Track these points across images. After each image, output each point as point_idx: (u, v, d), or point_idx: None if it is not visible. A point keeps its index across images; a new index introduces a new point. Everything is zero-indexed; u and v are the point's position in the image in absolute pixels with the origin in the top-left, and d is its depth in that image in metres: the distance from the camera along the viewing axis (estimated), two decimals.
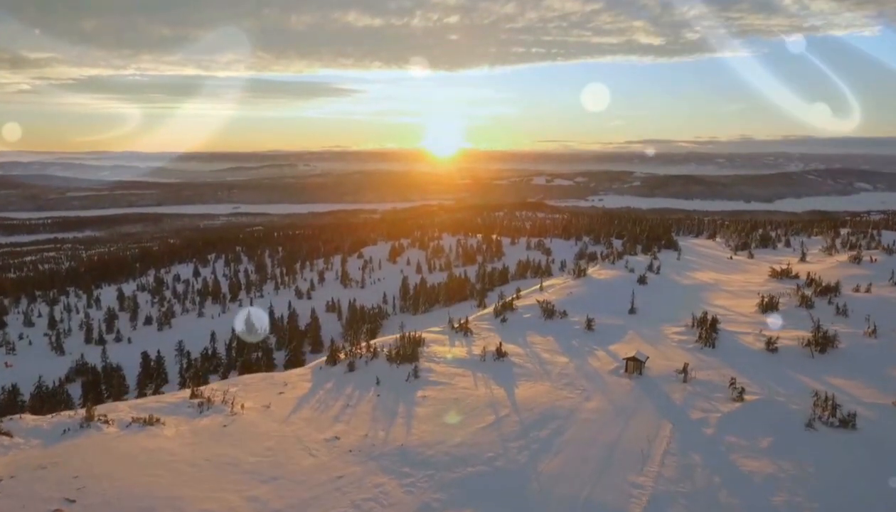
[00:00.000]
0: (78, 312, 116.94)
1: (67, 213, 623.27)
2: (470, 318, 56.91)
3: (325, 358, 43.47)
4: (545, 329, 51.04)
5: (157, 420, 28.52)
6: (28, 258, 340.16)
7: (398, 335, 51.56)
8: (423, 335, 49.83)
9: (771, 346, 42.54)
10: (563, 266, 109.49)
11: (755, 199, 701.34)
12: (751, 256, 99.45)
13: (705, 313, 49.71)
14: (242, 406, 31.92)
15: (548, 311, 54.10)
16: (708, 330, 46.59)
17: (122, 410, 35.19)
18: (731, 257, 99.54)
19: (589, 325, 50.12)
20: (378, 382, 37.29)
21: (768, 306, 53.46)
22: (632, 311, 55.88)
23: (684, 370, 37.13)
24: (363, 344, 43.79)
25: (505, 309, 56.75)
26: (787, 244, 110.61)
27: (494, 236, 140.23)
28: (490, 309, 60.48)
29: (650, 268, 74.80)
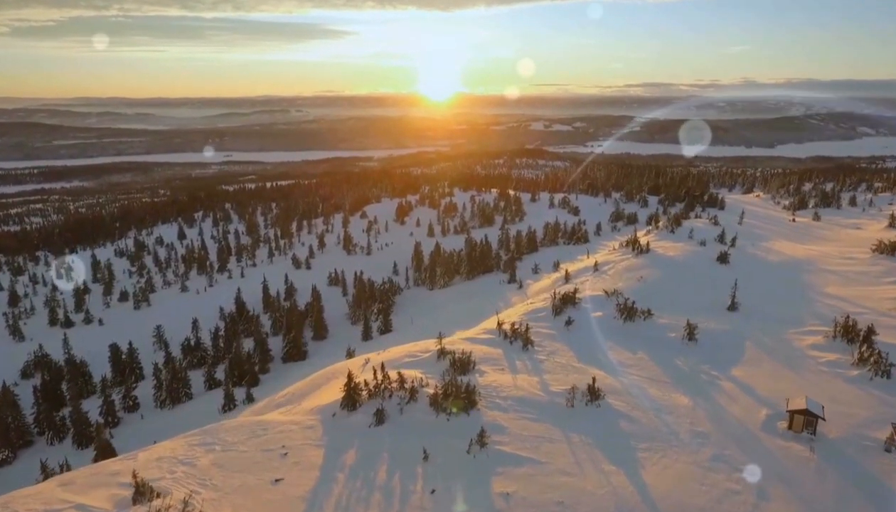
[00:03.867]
0: (45, 285, 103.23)
1: (54, 162, 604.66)
2: (522, 316, 44.06)
3: (340, 395, 30.58)
4: (629, 338, 38.15)
5: None
6: (14, 210, 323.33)
7: (435, 345, 38.70)
8: (469, 349, 37.03)
9: None
10: (598, 230, 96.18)
11: (756, 144, 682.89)
12: (817, 217, 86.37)
13: (848, 318, 36.86)
14: None
15: (626, 309, 41.21)
16: (864, 345, 33.95)
17: None
18: (793, 220, 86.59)
19: (690, 333, 37.30)
20: (426, 457, 24.42)
21: None
22: (732, 307, 43.06)
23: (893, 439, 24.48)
24: (393, 378, 30.68)
25: (565, 303, 43.90)
26: (853, 202, 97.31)
27: (512, 192, 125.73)
28: (544, 300, 47.71)
29: (721, 240, 61.65)
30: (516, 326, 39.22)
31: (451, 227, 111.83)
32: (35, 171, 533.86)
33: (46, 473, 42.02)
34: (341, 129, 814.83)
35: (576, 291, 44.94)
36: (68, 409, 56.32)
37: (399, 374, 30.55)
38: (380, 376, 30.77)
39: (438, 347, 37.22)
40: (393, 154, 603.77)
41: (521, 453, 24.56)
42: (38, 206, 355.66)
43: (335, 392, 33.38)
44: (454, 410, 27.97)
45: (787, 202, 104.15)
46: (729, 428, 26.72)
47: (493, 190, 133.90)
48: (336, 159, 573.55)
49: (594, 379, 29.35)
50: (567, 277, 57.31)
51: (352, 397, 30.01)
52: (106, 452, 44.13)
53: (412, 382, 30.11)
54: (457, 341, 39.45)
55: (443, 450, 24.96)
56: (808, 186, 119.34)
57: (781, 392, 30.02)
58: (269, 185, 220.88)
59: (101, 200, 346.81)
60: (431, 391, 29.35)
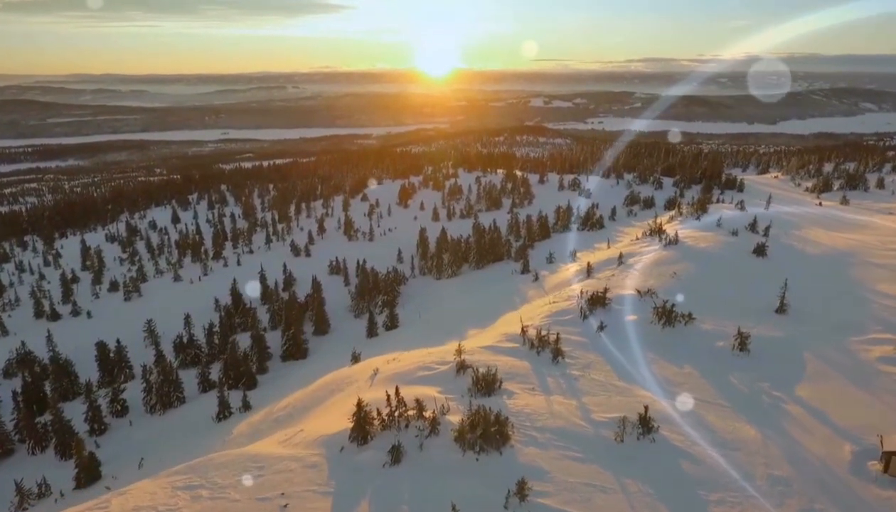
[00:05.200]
0: (33, 273, 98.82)
1: (49, 140, 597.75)
2: (545, 318, 39.84)
3: (349, 425, 26.28)
4: (671, 347, 33.98)
5: None
6: (8, 190, 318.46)
7: (452, 356, 34.57)
8: (492, 362, 32.87)
9: None
10: (613, 214, 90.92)
11: (758, 120, 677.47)
12: (845, 201, 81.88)
13: None
14: None
15: (665, 313, 36.84)
16: None
17: None
18: (819, 204, 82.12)
19: (742, 343, 33.13)
20: None
21: None
22: (781, 309, 38.79)
23: None
24: (409, 401, 26.49)
25: (595, 304, 39.78)
26: (881, 185, 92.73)
27: (519, 173, 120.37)
28: (568, 299, 43.62)
29: (753, 228, 57.22)
30: (543, 334, 34.91)
31: (456, 210, 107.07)
32: (29, 149, 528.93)
33: (22, 495, 38.25)
34: (339, 105, 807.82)
35: (606, 290, 40.57)
36: (50, 412, 52.26)
37: (417, 401, 26.18)
38: (394, 401, 26.50)
39: (457, 358, 33.08)
40: (391, 131, 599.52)
41: (570, 510, 20.36)
42: (33, 185, 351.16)
43: (341, 415, 29.22)
44: (484, 447, 23.73)
45: (808, 184, 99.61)
46: (811, 470, 22.60)
47: (498, 171, 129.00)
48: (334, 136, 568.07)
49: (646, 408, 25.08)
50: (589, 271, 53.01)
51: (362, 428, 25.73)
52: (88, 470, 40.13)
53: (433, 411, 25.83)
54: (476, 351, 35.25)
55: (474, 504, 20.69)
56: (828, 167, 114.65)
57: (860, 420, 25.92)
58: (266, 164, 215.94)
59: (96, 180, 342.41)
60: (456, 421, 25.07)
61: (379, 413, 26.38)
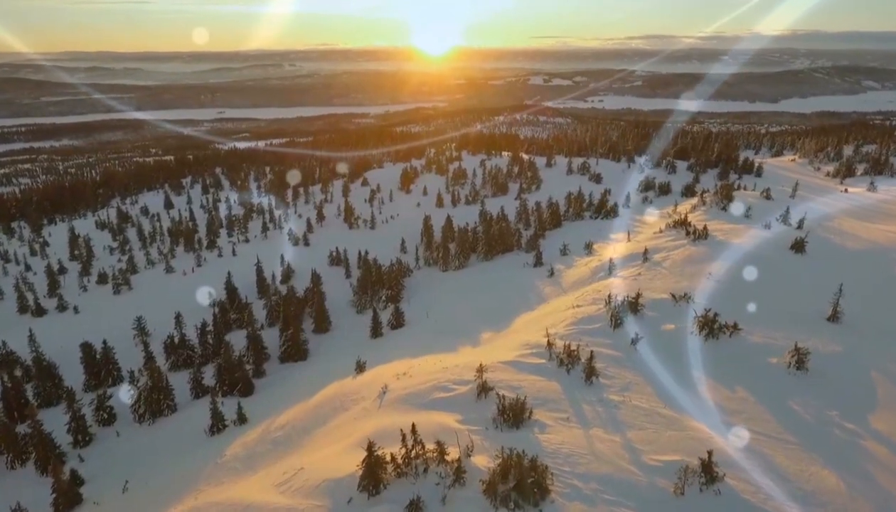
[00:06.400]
0: (18, 263, 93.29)
1: (43, 119, 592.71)
2: (570, 326, 36.08)
3: (358, 470, 22.50)
4: (718, 364, 30.15)
5: None
6: (1, 171, 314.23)
7: (473, 374, 30.78)
8: (518, 382, 29.10)
9: None
10: (627, 201, 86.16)
11: (760, 99, 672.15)
12: (873, 187, 77.92)
13: None
14: None
15: (706, 323, 33.04)
16: None
17: None
18: (844, 190, 78.20)
19: (799, 360, 29.30)
20: None
21: None
22: (833, 317, 34.96)
23: None
24: (426, 434, 22.75)
25: (628, 311, 35.88)
26: None
27: (525, 156, 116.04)
28: (594, 302, 40.11)
29: (785, 220, 53.34)
30: (572, 348, 31.06)
31: (461, 196, 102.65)
32: (23, 128, 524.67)
33: None
34: (336, 84, 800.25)
35: (639, 294, 36.66)
36: (27, 421, 48.54)
37: (438, 444, 22.25)
38: (410, 440, 22.65)
39: (477, 379, 29.24)
40: (389, 110, 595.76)
41: None
42: (27, 166, 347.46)
43: (347, 446, 25.57)
44: (520, 503, 19.97)
45: (829, 168, 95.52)
46: None
47: (503, 153, 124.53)
48: (331, 115, 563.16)
49: (710, 453, 21.18)
50: (611, 268, 49.10)
51: (374, 474, 21.92)
52: (68, 495, 36.42)
53: (458, 455, 21.91)
54: (497, 366, 31.45)
55: None
56: (847, 150, 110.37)
57: None
58: (263, 144, 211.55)
59: (91, 160, 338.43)
60: (484, 466, 21.28)
61: (393, 458, 22.64)
